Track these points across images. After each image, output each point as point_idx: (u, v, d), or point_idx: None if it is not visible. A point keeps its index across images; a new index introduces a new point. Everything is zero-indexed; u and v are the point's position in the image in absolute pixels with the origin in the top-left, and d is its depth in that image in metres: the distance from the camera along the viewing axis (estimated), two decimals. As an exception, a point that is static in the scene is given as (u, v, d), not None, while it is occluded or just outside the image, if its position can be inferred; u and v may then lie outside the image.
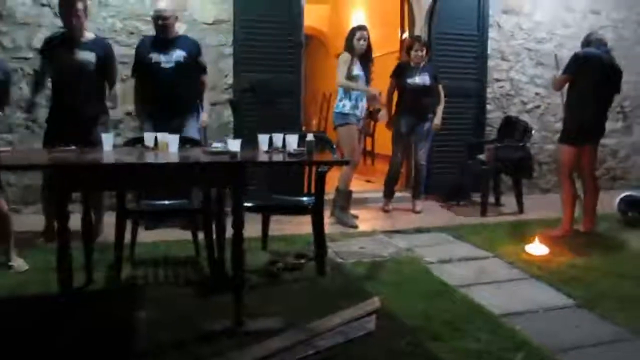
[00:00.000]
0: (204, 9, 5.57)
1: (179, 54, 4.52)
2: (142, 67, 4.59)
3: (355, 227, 5.02)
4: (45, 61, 4.22)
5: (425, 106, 5.66)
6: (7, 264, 3.65)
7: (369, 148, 8.79)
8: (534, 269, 3.80)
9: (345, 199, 5.21)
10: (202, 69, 4.72)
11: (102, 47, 4.26)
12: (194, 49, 4.63)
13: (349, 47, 5.17)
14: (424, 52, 5.67)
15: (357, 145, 5.26)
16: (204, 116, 4.71)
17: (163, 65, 4.49)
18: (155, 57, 4.50)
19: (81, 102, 4.10)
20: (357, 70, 5.11)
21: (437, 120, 5.75)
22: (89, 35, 4.25)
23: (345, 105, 5.11)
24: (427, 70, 5.67)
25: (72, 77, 4.10)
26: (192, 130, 4.56)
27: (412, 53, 5.65)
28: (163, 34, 4.53)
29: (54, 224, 3.98)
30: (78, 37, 4.15)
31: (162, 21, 4.48)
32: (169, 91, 4.48)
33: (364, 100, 5.20)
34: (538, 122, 6.91)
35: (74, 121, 4.05)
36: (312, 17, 9.10)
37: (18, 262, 3.67)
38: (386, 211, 5.72)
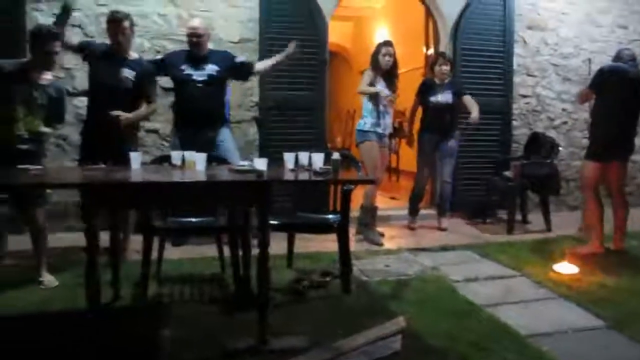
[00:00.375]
0: (230, 28, 5.65)
1: (211, 68, 4.60)
2: (173, 80, 4.70)
3: (381, 244, 5.01)
4: (85, 48, 4.31)
5: (449, 123, 5.65)
6: (37, 279, 3.71)
7: (393, 165, 8.76)
8: (562, 288, 3.74)
9: (370, 215, 5.20)
10: (246, 69, 4.81)
11: (144, 68, 4.31)
12: (225, 61, 4.70)
13: (375, 63, 5.21)
14: (449, 67, 5.66)
15: (379, 161, 5.24)
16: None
17: (195, 78, 4.57)
18: (188, 71, 4.59)
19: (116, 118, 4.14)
20: (380, 86, 5.14)
21: (475, 113, 5.51)
22: (133, 55, 4.33)
23: (366, 123, 5.15)
24: (449, 87, 5.65)
25: (110, 92, 4.13)
26: (227, 142, 4.66)
27: (436, 68, 5.66)
28: (197, 51, 4.61)
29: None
30: (123, 54, 4.22)
31: (196, 38, 4.57)
32: (200, 105, 4.55)
33: (388, 117, 5.20)
34: (565, 138, 6.84)
35: (107, 136, 4.05)
36: (336, 33, 9.15)
37: (48, 278, 3.73)
38: (412, 229, 5.69)
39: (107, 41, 4.28)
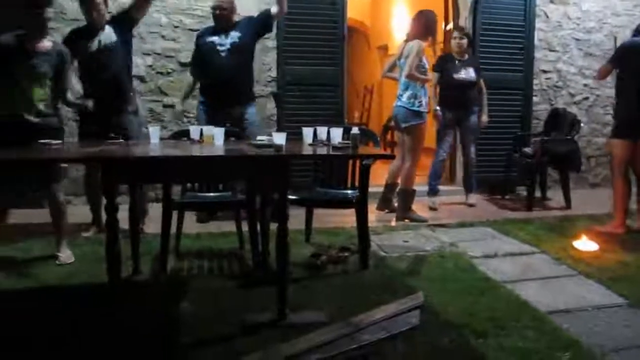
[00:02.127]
0: (248, 2, 5.58)
1: (234, 35, 4.57)
2: (200, 53, 4.68)
3: (426, 220, 4.95)
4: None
5: (471, 100, 5.59)
6: (55, 254, 3.75)
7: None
8: (582, 265, 3.70)
9: (409, 199, 5.05)
10: (267, 18, 4.70)
11: (120, 28, 4.21)
12: (247, 25, 4.65)
13: (431, 32, 4.95)
14: (465, 41, 5.56)
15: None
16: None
17: (218, 47, 4.54)
18: (212, 39, 4.57)
19: (109, 88, 4.12)
20: (425, 61, 4.91)
21: (485, 116, 5.69)
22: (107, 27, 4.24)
23: (422, 104, 4.85)
24: (471, 64, 5.58)
25: (97, 63, 4.10)
26: (254, 120, 4.67)
27: (452, 42, 5.58)
28: (220, 25, 4.58)
29: (99, 214, 4.10)
30: (98, 29, 4.15)
31: (219, 11, 4.54)
32: (225, 75, 4.52)
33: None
34: (587, 114, 6.75)
35: (104, 110, 4.05)
36: (354, 9, 9.04)
37: (66, 254, 3.75)
38: (434, 209, 5.53)
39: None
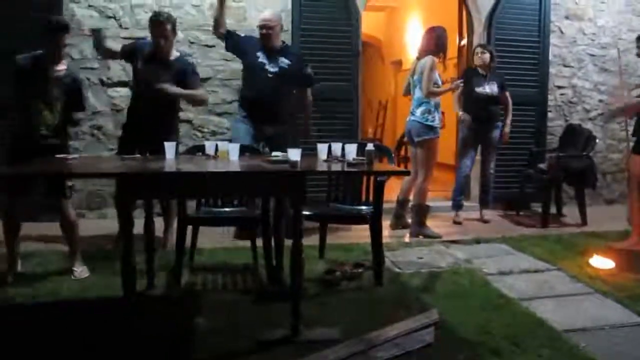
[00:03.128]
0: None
1: (284, 61, 4.58)
2: (246, 65, 4.70)
3: (440, 236, 4.95)
4: (129, 53, 4.32)
5: (493, 115, 5.60)
6: (70, 268, 3.77)
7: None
8: (599, 283, 3.67)
9: (423, 214, 5.06)
10: (308, 81, 4.80)
11: (183, 65, 4.31)
12: (298, 61, 4.71)
13: (443, 49, 4.95)
14: (487, 56, 5.58)
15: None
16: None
17: (268, 67, 4.55)
18: (262, 57, 4.57)
19: (158, 118, 4.17)
20: (438, 78, 4.93)
21: (507, 128, 5.69)
22: (175, 54, 4.33)
23: (435, 119, 4.88)
24: (494, 79, 5.60)
25: (152, 95, 4.11)
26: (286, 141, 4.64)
27: (476, 58, 5.60)
28: (268, 43, 4.59)
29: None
30: (165, 58, 4.21)
31: (266, 30, 4.54)
32: (269, 95, 4.53)
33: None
34: (602, 130, 6.71)
35: (148, 134, 4.03)
36: (368, 24, 9.10)
37: (80, 268, 3.77)
38: (458, 223, 5.57)
39: (142, 33, 4.28)
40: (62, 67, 3.76)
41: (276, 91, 4.54)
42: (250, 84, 4.67)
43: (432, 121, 4.86)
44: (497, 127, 5.64)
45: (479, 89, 5.50)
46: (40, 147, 3.59)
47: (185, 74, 4.26)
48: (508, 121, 5.71)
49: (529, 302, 3.33)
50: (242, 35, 4.76)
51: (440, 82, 4.94)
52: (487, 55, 5.58)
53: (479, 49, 5.64)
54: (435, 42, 4.90)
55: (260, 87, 4.54)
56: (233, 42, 4.65)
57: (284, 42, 4.78)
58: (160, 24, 4.13)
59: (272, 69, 4.54)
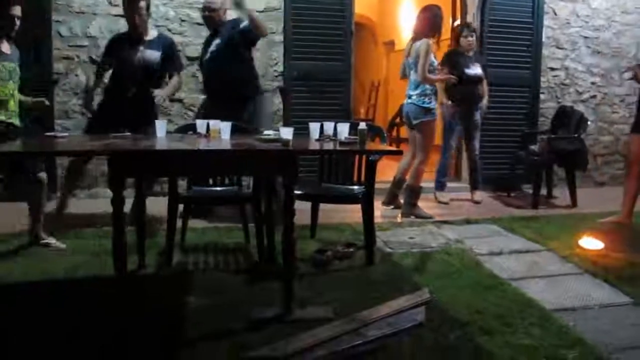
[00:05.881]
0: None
1: (215, 43, 4.54)
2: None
3: (432, 217, 4.96)
4: (108, 59, 4.32)
5: (478, 96, 5.62)
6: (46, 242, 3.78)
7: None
8: (588, 264, 3.69)
9: (416, 196, 5.06)
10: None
11: (167, 45, 4.31)
12: (229, 30, 4.53)
13: (438, 30, 4.88)
14: (474, 38, 5.58)
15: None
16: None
17: (206, 57, 4.59)
18: (203, 48, 4.61)
19: (138, 94, 4.14)
20: (434, 60, 4.90)
21: (485, 108, 5.74)
22: (152, 33, 4.32)
23: (432, 101, 4.88)
24: (479, 60, 5.63)
25: (135, 73, 4.14)
26: (256, 114, 4.63)
27: (462, 40, 5.57)
28: (209, 25, 4.60)
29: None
30: (142, 36, 4.21)
31: (208, 12, 4.53)
32: (213, 82, 4.56)
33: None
34: (594, 112, 6.73)
35: (125, 110, 4.10)
36: (361, 4, 9.01)
37: (51, 240, 3.80)
38: (444, 203, 5.61)
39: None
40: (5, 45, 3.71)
41: (217, 74, 4.54)
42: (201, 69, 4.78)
43: (429, 103, 4.85)
44: (480, 108, 5.66)
45: (468, 71, 5.49)
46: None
47: (172, 50, 4.33)
48: (486, 101, 5.75)
49: (519, 282, 3.35)
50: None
51: (435, 64, 4.91)
52: (473, 37, 5.57)
53: (466, 32, 5.61)
54: (430, 22, 4.84)
55: (206, 76, 4.68)
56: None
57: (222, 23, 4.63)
58: (135, 1, 4.11)
59: (207, 56, 4.59)
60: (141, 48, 4.18)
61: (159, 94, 4.13)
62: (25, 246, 3.82)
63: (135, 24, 4.16)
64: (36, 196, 3.76)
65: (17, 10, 3.66)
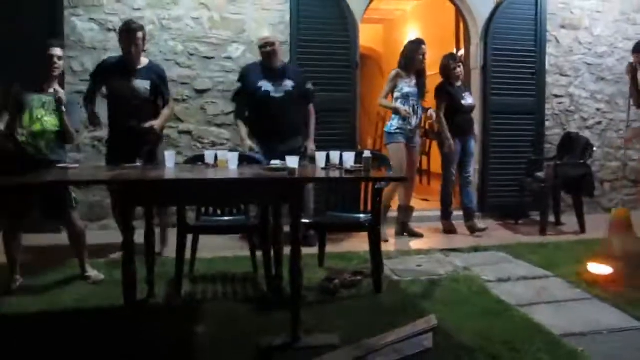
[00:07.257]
0: (262, 31, 5.67)
1: (288, 84, 4.67)
2: (251, 96, 4.72)
3: (421, 235, 5.32)
4: (95, 85, 4.38)
5: (473, 124, 5.71)
6: (83, 275, 3.84)
7: (424, 167, 8.70)
8: (596, 289, 3.68)
9: (406, 215, 5.38)
10: (309, 97, 4.90)
11: (157, 74, 4.37)
12: (299, 78, 4.81)
13: (409, 62, 5.26)
14: (461, 68, 5.63)
15: (405, 163, 5.20)
16: (309, 143, 4.80)
17: (273, 95, 4.64)
18: (265, 85, 4.65)
19: (137, 125, 4.19)
20: (407, 88, 5.22)
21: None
22: (143, 60, 4.38)
23: (393, 125, 5.25)
24: (467, 89, 5.79)
25: (128, 102, 4.21)
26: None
27: (455, 71, 5.52)
28: (271, 62, 4.67)
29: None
30: (135, 65, 4.28)
31: (270, 48, 4.63)
32: (278, 119, 4.62)
33: (416, 118, 5.28)
34: (599, 138, 6.74)
35: (132, 142, 4.16)
36: (367, 36, 9.15)
37: (94, 273, 3.85)
38: (452, 232, 5.58)
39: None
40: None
41: (284, 114, 4.62)
42: (258, 115, 4.73)
43: (390, 127, 5.28)
44: (472, 136, 5.69)
45: (464, 102, 5.54)
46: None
47: (162, 80, 4.39)
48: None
49: (528, 308, 3.34)
50: (245, 75, 4.80)
51: (406, 91, 5.23)
52: (460, 68, 5.61)
53: (453, 64, 5.57)
54: (402, 54, 5.36)
55: (269, 116, 4.62)
56: (242, 93, 4.77)
57: (283, 62, 4.83)
58: (134, 31, 4.20)
59: (277, 95, 4.63)
60: (132, 78, 4.24)
61: (154, 124, 4.21)
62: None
63: (131, 54, 4.24)
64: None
65: (57, 51, 3.84)
